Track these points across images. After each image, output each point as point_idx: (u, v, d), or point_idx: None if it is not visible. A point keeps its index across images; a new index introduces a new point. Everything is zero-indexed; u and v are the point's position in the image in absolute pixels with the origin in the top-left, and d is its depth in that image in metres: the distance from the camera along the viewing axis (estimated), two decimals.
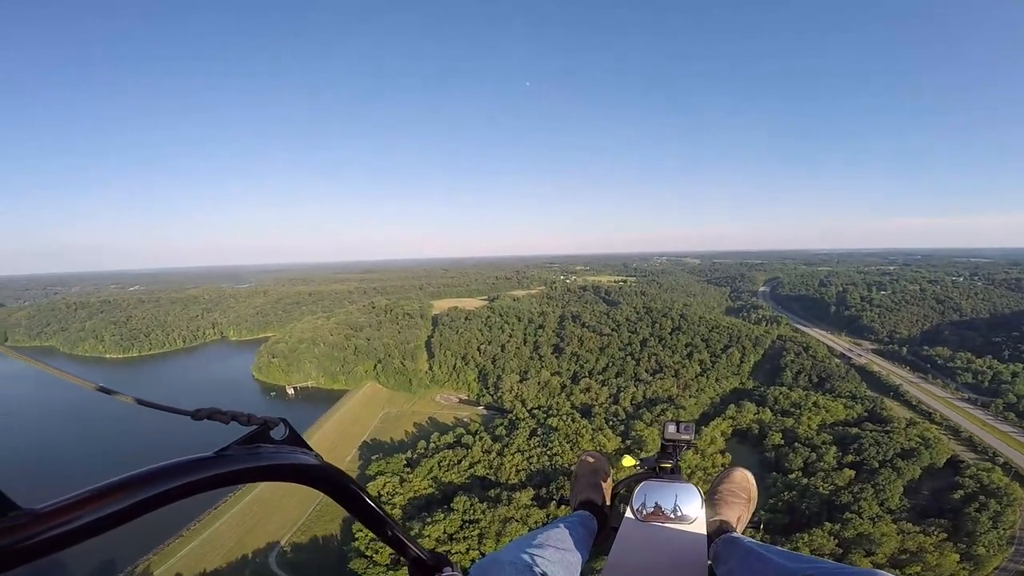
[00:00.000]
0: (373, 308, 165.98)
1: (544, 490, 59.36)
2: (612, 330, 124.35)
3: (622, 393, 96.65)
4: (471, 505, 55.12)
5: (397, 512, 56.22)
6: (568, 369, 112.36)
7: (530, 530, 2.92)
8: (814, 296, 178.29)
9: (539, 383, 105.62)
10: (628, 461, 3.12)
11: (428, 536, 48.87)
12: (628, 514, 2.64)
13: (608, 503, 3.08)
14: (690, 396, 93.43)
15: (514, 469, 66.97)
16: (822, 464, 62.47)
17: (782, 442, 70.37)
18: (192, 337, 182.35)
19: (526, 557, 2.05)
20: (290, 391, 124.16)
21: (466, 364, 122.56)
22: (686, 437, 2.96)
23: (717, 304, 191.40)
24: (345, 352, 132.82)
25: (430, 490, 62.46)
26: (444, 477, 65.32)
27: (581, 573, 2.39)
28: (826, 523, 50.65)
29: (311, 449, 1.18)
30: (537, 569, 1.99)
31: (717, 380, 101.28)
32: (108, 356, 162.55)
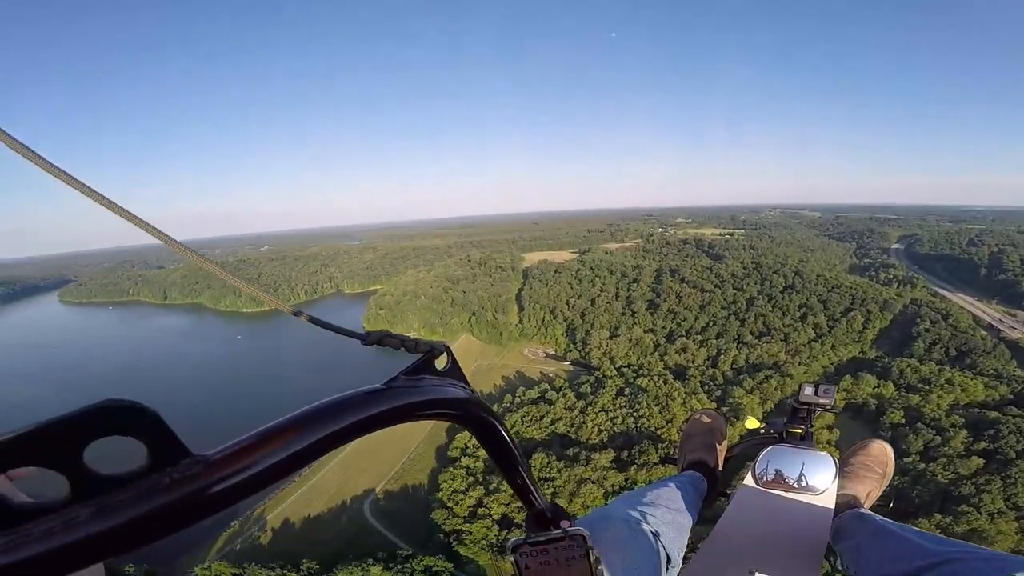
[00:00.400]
0: (469, 261, 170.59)
1: (626, 453, 57.89)
2: (715, 286, 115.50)
3: (722, 356, 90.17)
4: (548, 463, 55.54)
5: (480, 465, 58.22)
6: (663, 327, 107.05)
7: (635, 487, 2.52)
8: (960, 257, 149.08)
9: (630, 340, 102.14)
10: (752, 423, 2.90)
11: (505, 491, 50.24)
12: (747, 480, 2.48)
13: (722, 466, 2.90)
14: (800, 363, 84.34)
15: (596, 429, 66.08)
16: (946, 449, 53.45)
17: (903, 421, 61.20)
18: (313, 290, 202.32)
19: (637, 514, 1.98)
20: None
21: (554, 318, 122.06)
22: (825, 401, 2.69)
23: (839, 261, 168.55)
24: (443, 304, 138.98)
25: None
26: (526, 432, 66.44)
27: (691, 534, 2.28)
28: (935, 514, 43.73)
29: (468, 383, 1.08)
30: (647, 527, 1.92)
31: (833, 347, 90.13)
32: (244, 310, 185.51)
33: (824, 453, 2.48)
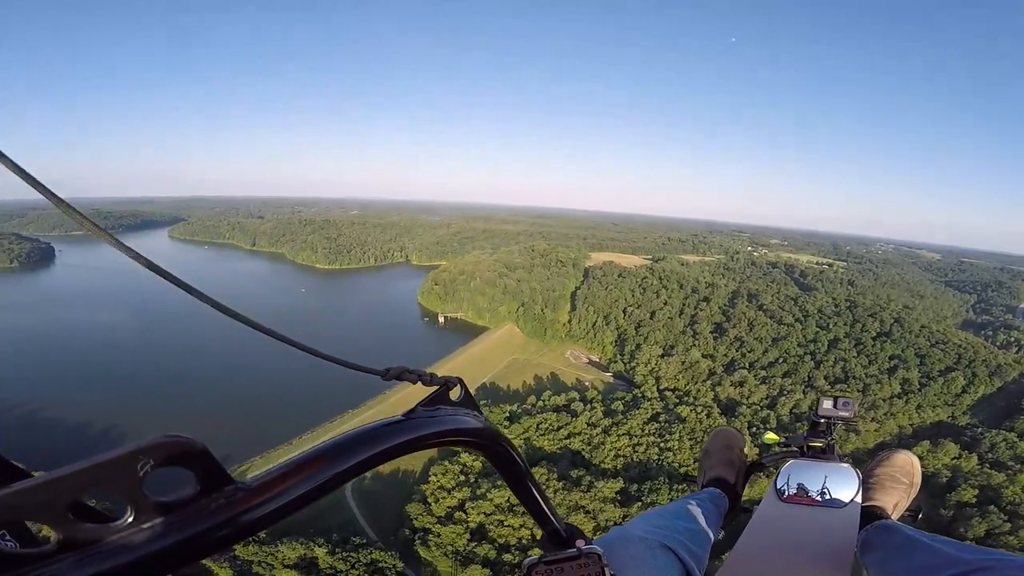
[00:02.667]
0: (531, 251, 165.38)
1: (635, 487, 50.62)
2: (796, 320, 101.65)
3: (784, 397, 78.46)
4: (546, 479, 49.72)
5: (478, 465, 54.02)
6: (724, 355, 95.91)
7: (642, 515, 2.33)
8: None
9: (683, 362, 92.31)
10: (771, 438, 2.94)
11: (491, 500, 45.31)
12: (769, 495, 2.44)
13: (743, 483, 2.87)
14: (873, 419, 71.01)
15: (614, 453, 59.04)
16: (1011, 539, 42.96)
17: (974, 500, 49.09)
18: (382, 257, 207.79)
19: (656, 532, 1.94)
20: (441, 319, 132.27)
21: (606, 324, 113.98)
22: (844, 414, 2.69)
23: (952, 314, 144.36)
24: (495, 290, 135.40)
25: (520, 449, 58.71)
26: (537, 441, 60.89)
27: (711, 551, 2.24)
28: None
29: (481, 412, 1.23)
30: (666, 545, 1.87)
31: (919, 407, 75.13)
32: (318, 266, 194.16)
33: (846, 466, 2.45)
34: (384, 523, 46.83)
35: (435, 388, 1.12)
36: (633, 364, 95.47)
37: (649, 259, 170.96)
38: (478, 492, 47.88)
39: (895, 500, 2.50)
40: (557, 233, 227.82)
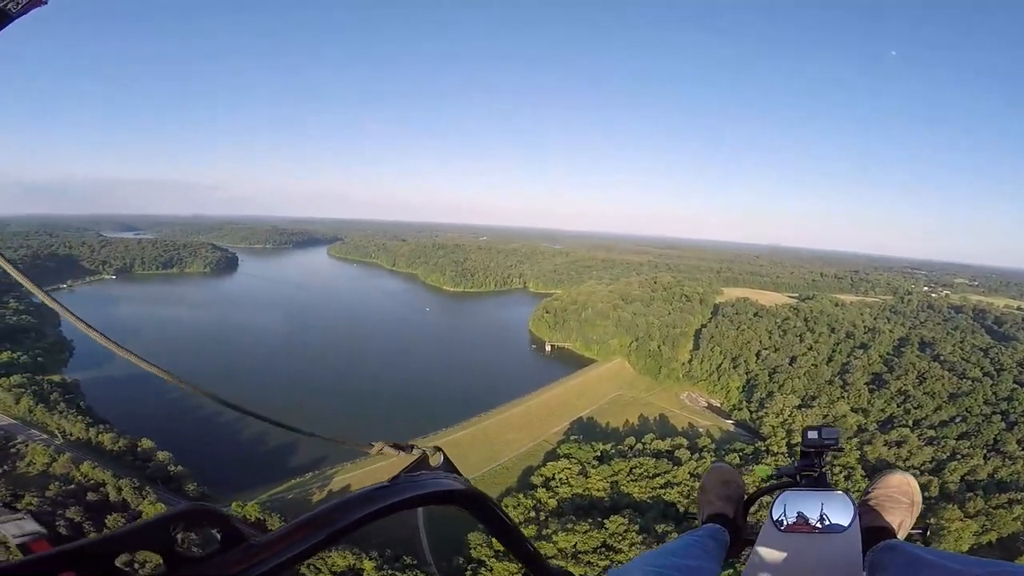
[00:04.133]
0: (654, 283, 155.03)
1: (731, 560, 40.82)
2: (984, 374, 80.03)
3: (956, 461, 60.74)
4: (626, 529, 42.42)
5: (552, 503, 49.20)
6: (881, 410, 78.24)
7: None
8: None
9: (826, 416, 76.68)
10: (763, 471, 2.92)
11: (555, 544, 39.77)
12: (766, 526, 2.39)
13: (743, 515, 2.90)
14: None
15: None
16: None
17: None
18: (502, 283, 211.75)
19: (654, 572, 1.96)
20: (548, 348, 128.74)
21: (734, 367, 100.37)
22: (829, 442, 2.67)
23: None
24: (607, 322, 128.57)
25: (601, 494, 51.87)
26: (625, 487, 53.38)
27: None
28: None
29: (461, 474, 1.39)
30: None
31: None
32: (445, 288, 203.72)
33: (839, 492, 2.42)
34: (444, 547, 43.71)
35: (416, 457, 1.31)
36: (761, 413, 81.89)
37: (795, 297, 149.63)
38: (544, 532, 42.49)
39: (899, 519, 2.49)
40: (686, 265, 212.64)
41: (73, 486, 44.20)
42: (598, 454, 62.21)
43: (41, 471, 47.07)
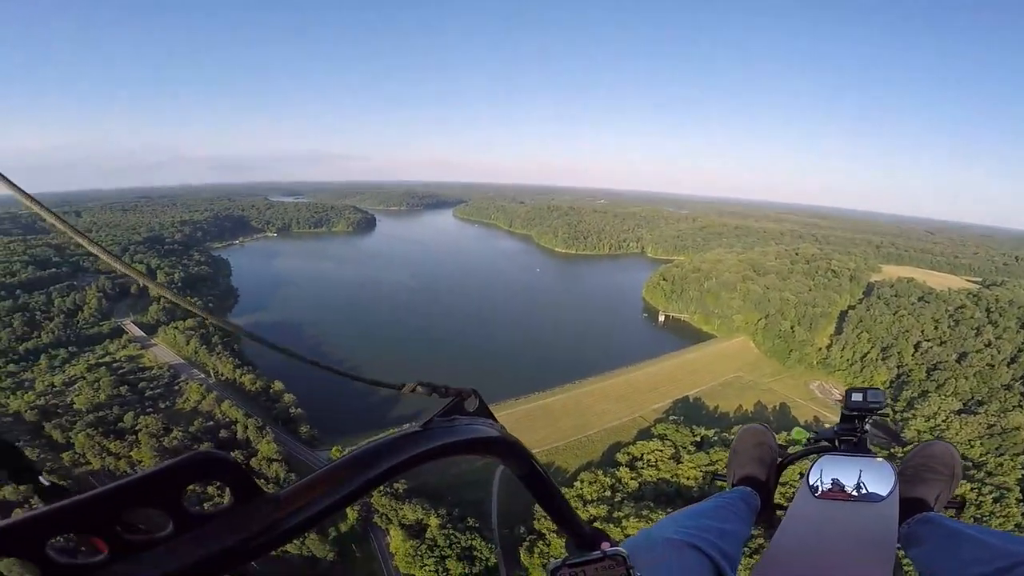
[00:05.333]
0: (794, 255, 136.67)
1: None
2: None
3: None
4: None
5: (633, 484, 46.70)
6: None
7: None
8: None
9: (992, 425, 61.85)
10: (799, 434, 2.88)
11: (623, 528, 37.49)
12: (801, 491, 2.33)
13: (775, 479, 2.85)
14: None
15: None
16: None
17: None
18: (617, 247, 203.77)
19: (683, 533, 1.90)
20: (661, 318, 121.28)
21: (884, 358, 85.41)
22: (874, 405, 2.63)
23: None
24: (732, 295, 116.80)
25: (691, 483, 47.63)
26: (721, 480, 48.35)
27: (744, 550, 2.22)
28: None
29: (496, 420, 1.27)
30: (695, 544, 1.83)
31: None
32: (557, 249, 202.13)
33: (880, 459, 2.37)
34: (512, 513, 43.92)
35: (450, 399, 1.17)
36: (908, 415, 68.77)
37: (976, 282, 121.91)
38: (615, 515, 40.35)
39: (936, 492, 2.41)
40: (837, 237, 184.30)
41: (211, 423, 52.44)
42: (697, 439, 57.03)
43: (192, 407, 56.52)
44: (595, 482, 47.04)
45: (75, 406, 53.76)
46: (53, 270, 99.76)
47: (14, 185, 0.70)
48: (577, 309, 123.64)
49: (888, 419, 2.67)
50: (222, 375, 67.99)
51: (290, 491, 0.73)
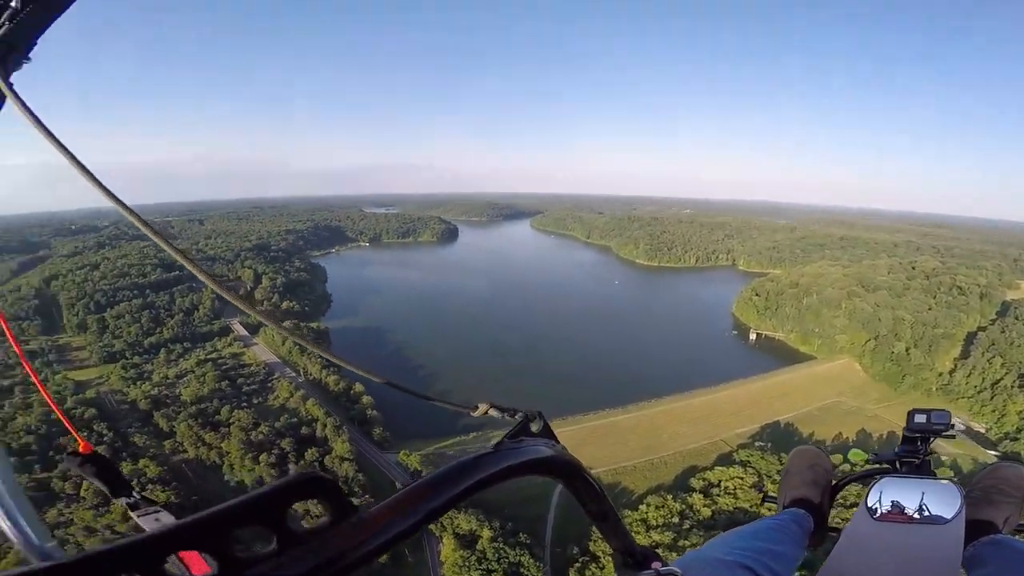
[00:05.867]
0: (911, 269, 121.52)
1: None
2: None
3: None
4: None
5: (706, 512, 43.30)
6: None
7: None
8: None
9: None
10: (857, 456, 3.92)
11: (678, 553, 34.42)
12: (859, 513, 2.26)
13: (828, 502, 2.73)
14: None
15: None
16: None
17: None
18: (705, 258, 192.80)
19: (735, 554, 1.88)
20: (752, 336, 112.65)
21: (1021, 386, 72.75)
22: (938, 426, 2.49)
23: None
24: (836, 312, 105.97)
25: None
26: None
27: (794, 573, 2.18)
28: None
29: (558, 441, 1.34)
30: (747, 565, 1.81)
31: None
32: (638, 261, 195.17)
33: (946, 481, 2.25)
34: (567, 532, 42.06)
35: (517, 421, 1.27)
36: None
37: None
38: (680, 543, 37.17)
39: (1005, 515, 2.27)
40: (962, 248, 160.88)
41: (295, 420, 55.92)
42: (780, 468, 51.85)
43: (281, 404, 60.71)
44: (663, 507, 44.06)
45: (182, 397, 60.17)
46: (177, 272, 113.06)
47: (123, 204, 0.79)
48: (657, 324, 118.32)
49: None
50: (310, 375, 72.61)
51: (379, 509, 0.78)
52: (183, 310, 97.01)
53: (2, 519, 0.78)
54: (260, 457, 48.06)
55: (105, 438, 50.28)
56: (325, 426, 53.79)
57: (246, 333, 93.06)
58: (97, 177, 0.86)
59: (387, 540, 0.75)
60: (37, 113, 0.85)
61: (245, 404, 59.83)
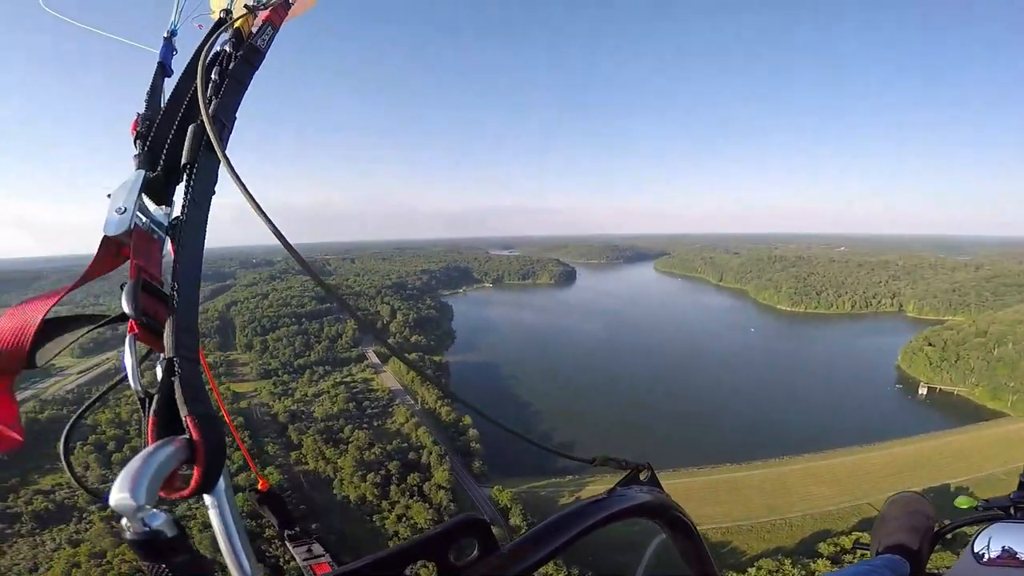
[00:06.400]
0: None
1: None
2: None
3: None
4: None
5: None
6: None
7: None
8: None
9: None
10: (964, 503, 2.67)
11: None
12: (963, 559, 2.23)
13: (928, 549, 2.64)
14: None
15: None
16: None
17: None
18: (863, 303, 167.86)
19: None
20: (922, 390, 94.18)
21: None
22: None
23: None
24: None
25: None
26: None
27: None
28: None
29: (664, 491, 1.50)
30: None
31: None
32: (779, 307, 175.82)
33: None
34: None
35: (628, 471, 1.45)
36: None
37: None
38: None
39: None
40: None
41: (405, 445, 58.86)
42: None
43: (396, 429, 64.55)
44: (777, 571, 37.69)
45: (315, 414, 67.19)
46: (327, 305, 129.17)
47: (289, 245, 0.97)
48: (798, 375, 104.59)
49: None
50: (426, 403, 76.65)
51: (514, 546, 0.91)
52: (329, 337, 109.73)
53: (226, 550, 0.85)
54: (367, 476, 51.03)
55: (245, 444, 57.72)
56: (431, 453, 55.87)
57: (378, 361, 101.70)
58: (277, 226, 0.98)
59: (521, 570, 0.87)
60: (239, 172, 1.01)
61: (366, 425, 64.84)
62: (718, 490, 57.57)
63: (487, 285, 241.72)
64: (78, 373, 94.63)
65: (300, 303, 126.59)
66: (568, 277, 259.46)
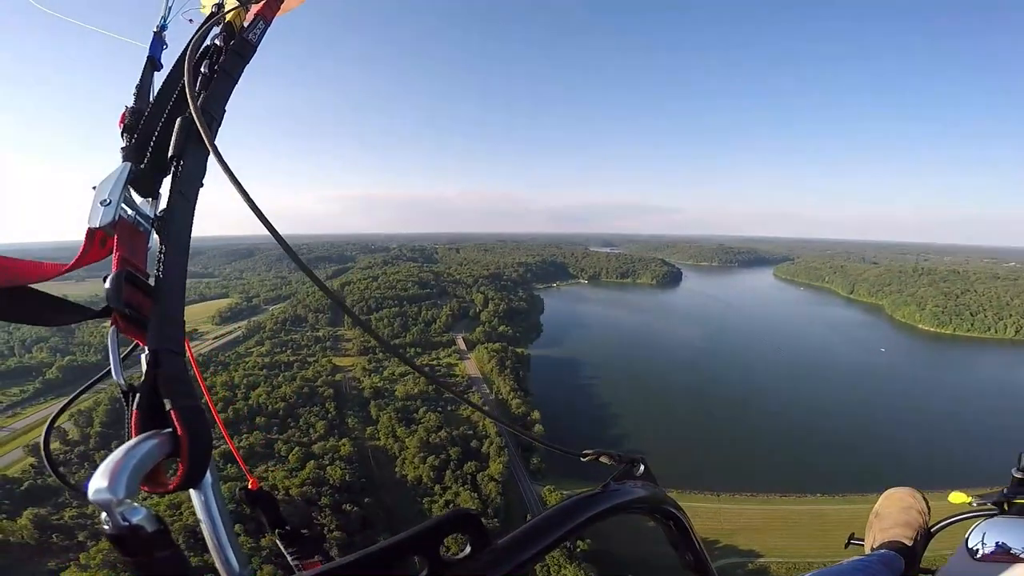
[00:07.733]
0: None
1: None
2: None
3: None
4: None
5: None
6: None
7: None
8: None
9: None
10: (958, 498, 2.62)
11: None
12: (958, 554, 2.21)
13: (923, 545, 2.60)
14: None
15: None
16: None
17: None
18: None
19: None
20: None
21: None
22: None
23: None
24: None
25: None
26: None
27: None
28: None
29: (658, 485, 1.50)
30: None
31: None
32: (920, 326, 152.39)
33: None
34: None
35: (623, 466, 1.43)
36: None
37: None
38: None
39: None
40: None
41: (470, 432, 60.46)
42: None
43: (466, 415, 66.58)
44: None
45: (396, 393, 71.79)
46: (428, 290, 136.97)
47: (291, 251, 1.01)
48: (930, 406, 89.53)
49: None
50: (500, 393, 78.29)
51: (507, 540, 0.89)
52: (424, 321, 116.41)
53: (213, 546, 0.86)
54: (428, 459, 53.36)
55: (329, 415, 64.22)
56: (492, 444, 57.06)
57: (464, 348, 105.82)
58: (268, 219, 1.00)
59: (514, 567, 0.87)
60: (230, 165, 1.00)
61: (440, 409, 67.88)
62: (793, 522, 52.04)
63: (583, 281, 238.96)
64: (213, 339, 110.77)
65: (404, 287, 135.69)
66: (672, 278, 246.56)
